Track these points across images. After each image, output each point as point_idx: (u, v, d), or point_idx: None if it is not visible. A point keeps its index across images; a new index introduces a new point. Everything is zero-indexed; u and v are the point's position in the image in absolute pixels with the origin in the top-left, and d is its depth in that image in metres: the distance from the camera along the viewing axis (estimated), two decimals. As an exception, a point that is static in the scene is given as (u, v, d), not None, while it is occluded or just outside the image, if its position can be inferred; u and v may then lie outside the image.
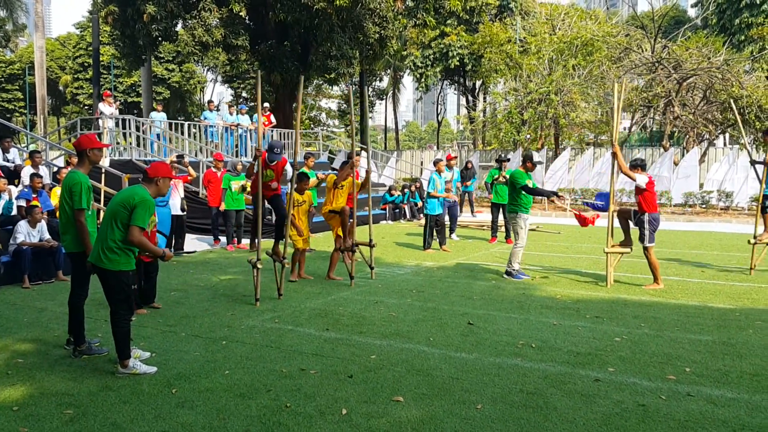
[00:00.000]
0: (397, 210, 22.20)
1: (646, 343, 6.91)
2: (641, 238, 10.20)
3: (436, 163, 14.82)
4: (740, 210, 23.81)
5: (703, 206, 24.03)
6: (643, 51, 30.90)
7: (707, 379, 5.78)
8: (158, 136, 21.75)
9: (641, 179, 10.09)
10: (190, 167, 15.06)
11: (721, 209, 23.90)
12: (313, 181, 13.87)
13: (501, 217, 16.06)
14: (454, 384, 5.64)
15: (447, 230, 15.61)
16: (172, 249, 13.34)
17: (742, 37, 42.65)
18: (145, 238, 5.96)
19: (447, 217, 15.72)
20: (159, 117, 21.82)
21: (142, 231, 5.84)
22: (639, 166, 10.35)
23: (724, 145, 36.68)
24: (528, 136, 29.04)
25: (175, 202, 13.39)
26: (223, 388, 5.51)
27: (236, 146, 23.56)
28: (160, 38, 28.30)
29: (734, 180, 24.50)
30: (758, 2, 42.33)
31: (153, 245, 6.35)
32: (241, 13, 27.65)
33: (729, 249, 14.58)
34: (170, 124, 22.21)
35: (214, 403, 5.17)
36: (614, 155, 10.24)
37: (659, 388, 5.57)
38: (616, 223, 10.69)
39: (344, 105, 62.28)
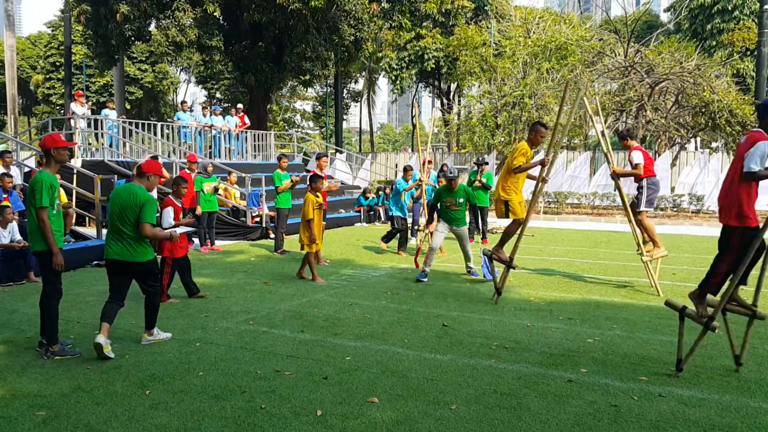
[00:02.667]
0: (372, 212, 22.21)
1: (618, 345, 6.98)
2: (637, 204, 10.02)
3: (405, 170, 14.84)
4: (711, 213, 24.10)
5: (675, 209, 24.30)
6: (616, 55, 31.17)
7: (678, 380, 5.85)
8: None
9: (637, 157, 9.82)
10: (163, 168, 14.94)
11: (692, 212, 24.19)
12: (286, 183, 13.86)
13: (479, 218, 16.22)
14: (428, 385, 5.66)
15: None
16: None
17: (714, 42, 43.22)
18: (155, 229, 6.82)
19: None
20: (112, 115, 21.45)
21: (153, 226, 6.70)
22: (630, 137, 10.15)
23: (696, 149, 37.13)
24: (502, 139, 29.15)
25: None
26: (197, 390, 5.48)
27: (209, 147, 23.42)
28: (133, 38, 28.10)
29: (705, 183, 24.82)
30: (729, 8, 42.94)
31: (162, 232, 7.26)
32: (215, 14, 27.50)
33: (700, 252, 14.75)
34: (143, 125, 21.98)
35: (188, 405, 5.15)
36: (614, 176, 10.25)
37: (631, 388, 5.63)
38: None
39: (319, 107, 62.21)
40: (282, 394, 5.41)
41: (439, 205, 11.18)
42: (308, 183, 11.35)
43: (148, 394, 5.39)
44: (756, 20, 35.87)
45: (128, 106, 49.77)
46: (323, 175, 12.91)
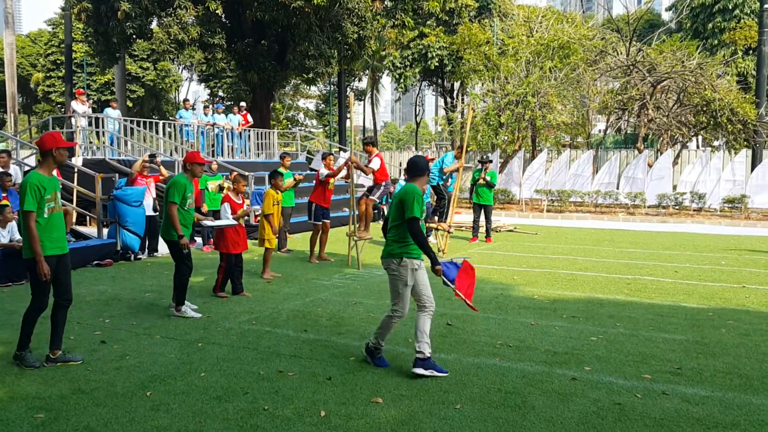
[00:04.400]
0: (376, 210, 22.15)
1: (621, 343, 6.96)
2: (370, 193, 12.62)
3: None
4: (713, 211, 24.06)
5: (677, 207, 24.24)
6: (618, 54, 31.12)
7: (682, 378, 5.83)
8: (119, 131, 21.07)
9: (375, 164, 12.23)
10: (162, 167, 14.91)
11: (694, 210, 24.13)
12: (289, 181, 13.82)
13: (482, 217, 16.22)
14: (433, 384, 5.63)
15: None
16: (146, 250, 13.20)
17: (715, 41, 43.13)
18: (174, 214, 7.80)
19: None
20: (114, 114, 21.35)
21: (173, 205, 7.79)
22: (372, 144, 12.55)
23: (697, 147, 37.04)
24: (505, 138, 29.09)
25: (148, 203, 13.23)
26: (199, 391, 5.45)
27: (212, 146, 23.38)
28: (134, 36, 28.02)
29: (707, 182, 24.74)
30: (730, 7, 42.84)
31: (178, 223, 7.84)
32: (217, 11, 27.44)
33: (702, 250, 14.71)
34: (144, 123, 21.92)
35: (190, 406, 5.12)
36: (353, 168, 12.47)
37: (635, 386, 5.61)
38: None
39: (322, 105, 62.16)
40: (285, 394, 5.38)
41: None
42: (269, 179, 11.55)
43: (149, 395, 5.36)
44: (756, 19, 35.78)
45: (130, 105, 49.69)
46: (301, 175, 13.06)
